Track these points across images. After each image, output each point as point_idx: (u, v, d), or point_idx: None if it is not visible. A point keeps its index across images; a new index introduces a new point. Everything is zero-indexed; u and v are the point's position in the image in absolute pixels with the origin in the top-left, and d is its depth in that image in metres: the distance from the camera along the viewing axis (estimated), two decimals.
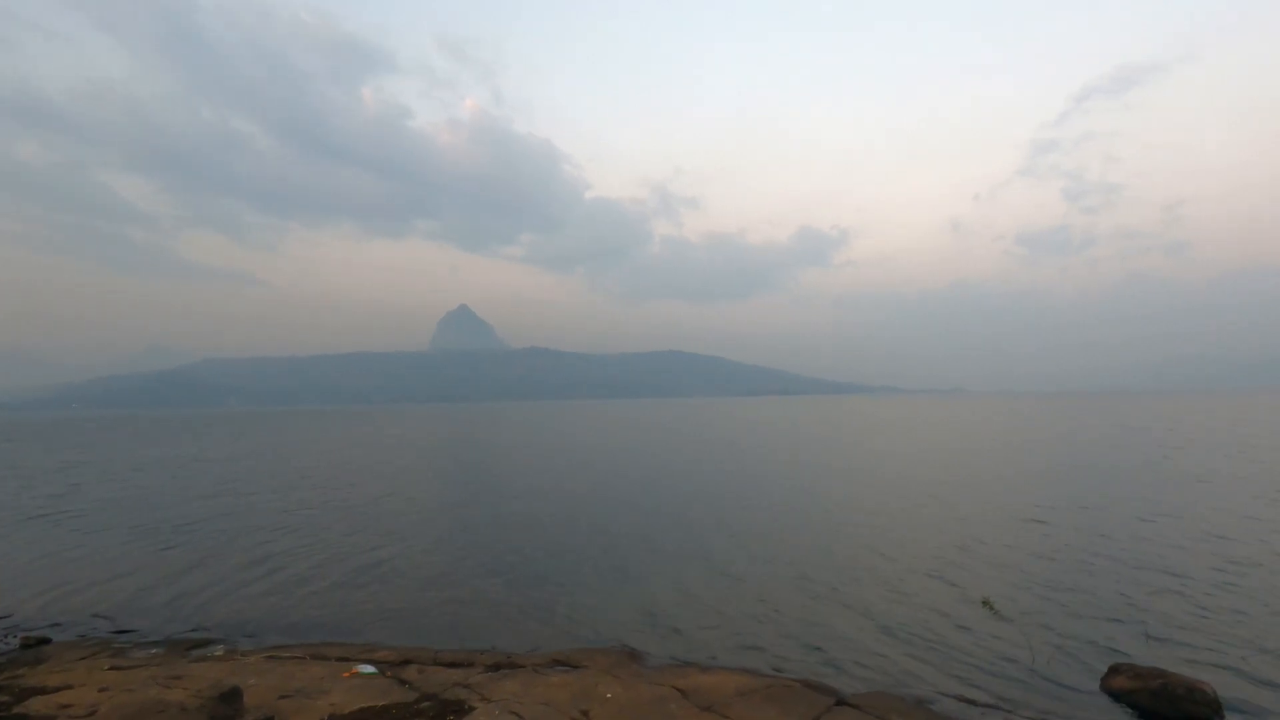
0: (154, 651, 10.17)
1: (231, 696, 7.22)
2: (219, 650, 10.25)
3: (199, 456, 46.17)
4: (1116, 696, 7.76)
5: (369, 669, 8.98)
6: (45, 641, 10.56)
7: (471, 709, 7.58)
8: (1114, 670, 8.08)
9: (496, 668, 9.11)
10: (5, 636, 10.91)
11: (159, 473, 35.64)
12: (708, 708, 7.60)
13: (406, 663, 9.34)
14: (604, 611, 11.58)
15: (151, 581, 14.03)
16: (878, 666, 8.99)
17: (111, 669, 9.11)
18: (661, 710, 7.51)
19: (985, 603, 10.33)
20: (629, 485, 26.91)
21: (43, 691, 8.08)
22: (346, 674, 8.79)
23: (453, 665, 9.28)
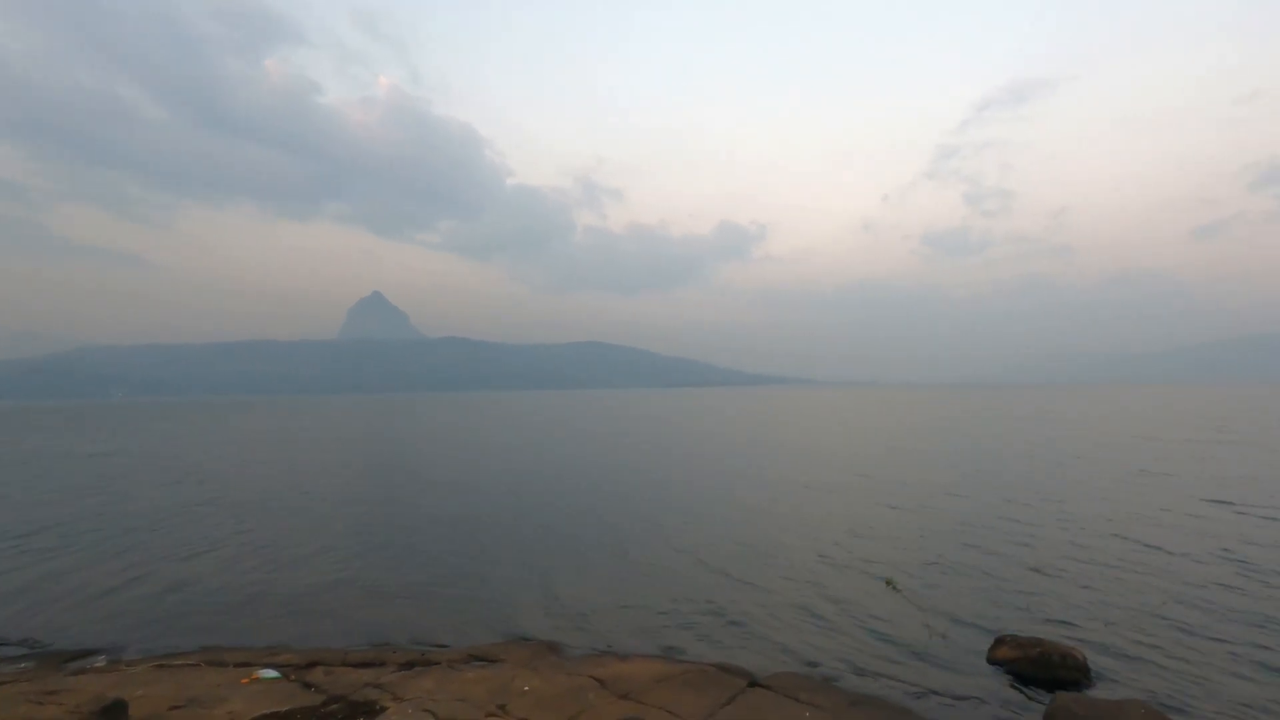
0: (24, 666, 9.28)
1: (115, 710, 6.68)
2: (100, 661, 9.47)
3: (71, 452, 42.34)
4: (1001, 665, 8.40)
5: (271, 673, 8.53)
6: None
7: (383, 709, 7.35)
8: (999, 642, 8.75)
9: (410, 666, 8.87)
10: None
11: (23, 470, 32.43)
12: (625, 695, 7.69)
13: (313, 665, 8.94)
14: (522, 606, 11.49)
15: (17, 589, 12.77)
16: (789, 648, 9.36)
17: None
18: (579, 700, 7.54)
19: (888, 582, 10.95)
20: (544, 478, 26.73)
21: None
22: (246, 680, 8.32)
23: (363, 665, 8.96)
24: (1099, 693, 7.66)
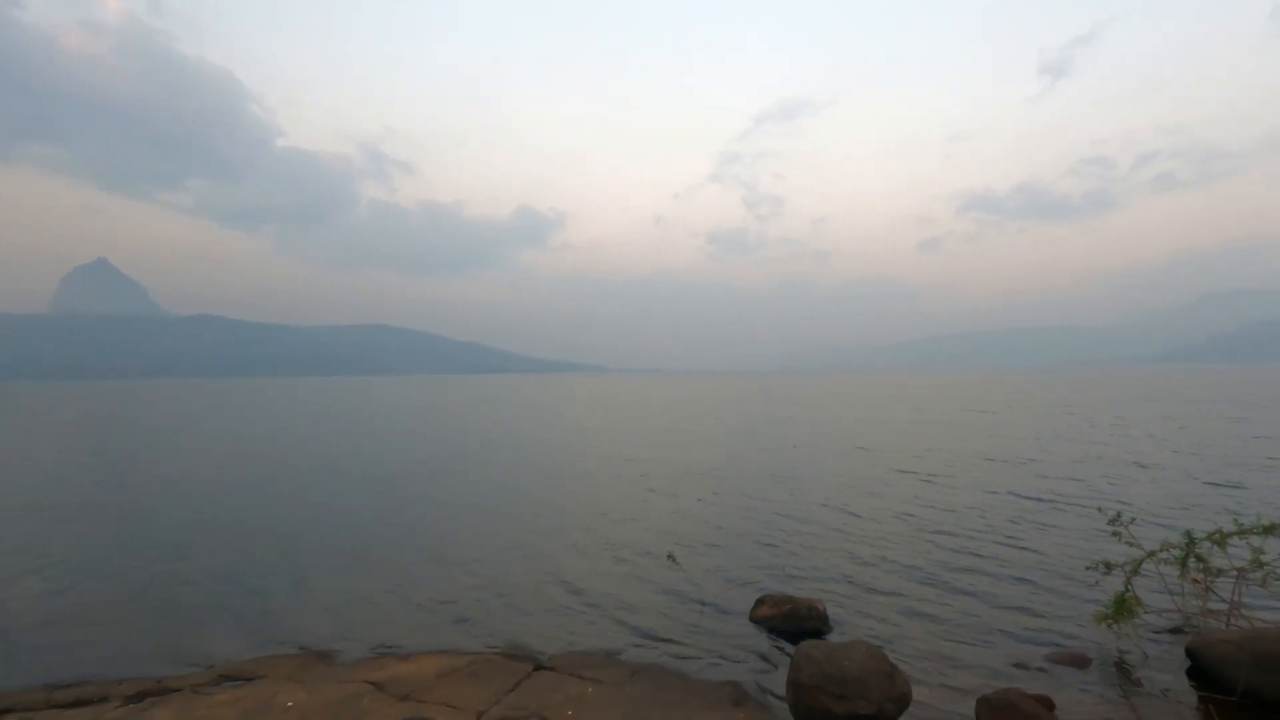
0: None
1: None
2: None
3: None
4: (761, 623, 9.43)
5: None
6: None
7: None
8: (759, 602, 9.81)
9: (140, 698, 7.62)
10: None
11: None
12: (405, 696, 7.36)
13: (4, 713, 7.31)
14: (285, 613, 10.43)
15: None
16: (575, 628, 9.61)
17: None
18: (354, 708, 7.06)
19: (669, 557, 11.69)
20: (307, 472, 24.58)
21: None
22: None
23: (77, 705, 7.52)
24: (835, 637, 8.93)
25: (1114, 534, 9.57)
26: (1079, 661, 7.89)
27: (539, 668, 8.15)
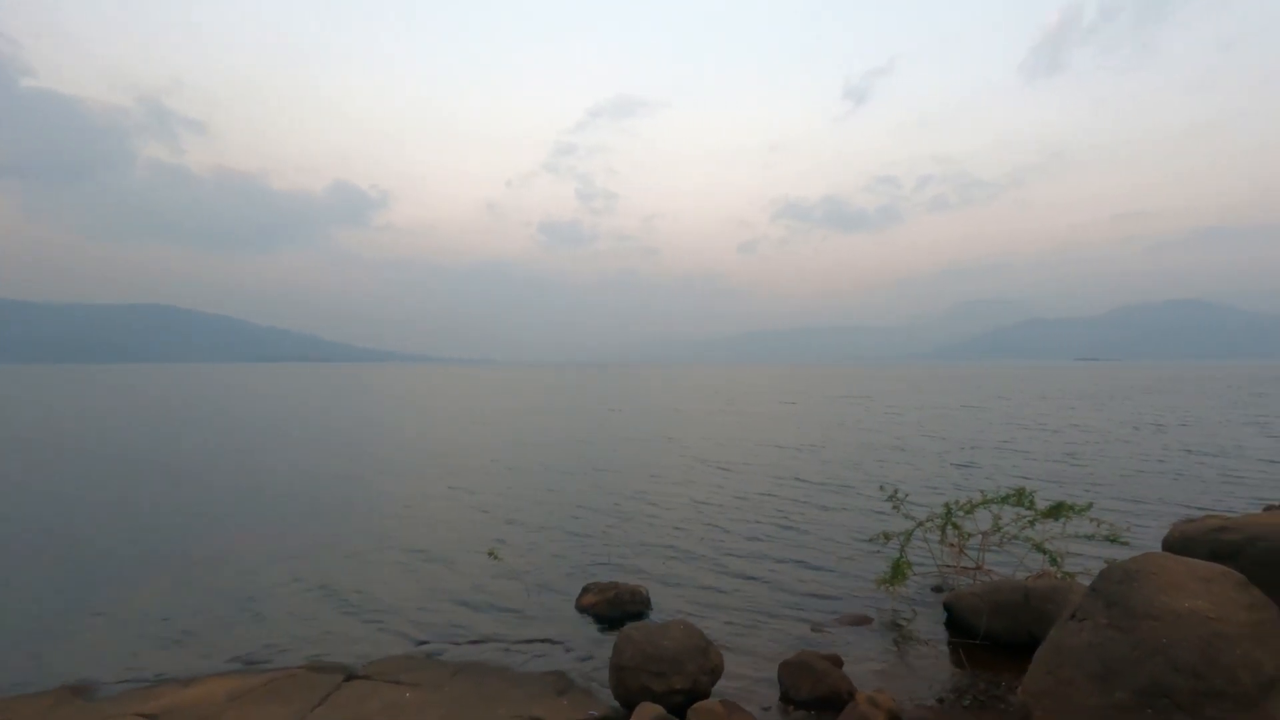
0: None
1: None
2: None
3: None
4: (587, 610, 9.57)
5: None
6: None
7: None
8: (585, 590, 9.96)
9: None
10: None
11: None
12: None
13: None
14: (27, 643, 8.76)
15: None
16: (394, 632, 9.09)
17: None
18: None
19: (490, 553, 11.42)
20: (70, 479, 20.95)
21: None
22: None
23: None
24: (656, 618, 9.31)
25: (894, 508, 10.98)
26: (862, 621, 9.01)
27: (351, 678, 7.60)
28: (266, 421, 40.03)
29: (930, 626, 8.81)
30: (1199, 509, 14.47)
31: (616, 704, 6.75)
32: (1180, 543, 8.40)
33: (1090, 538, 9.50)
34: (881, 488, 13.24)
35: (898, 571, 9.46)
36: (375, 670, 7.81)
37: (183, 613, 9.75)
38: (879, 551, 11.20)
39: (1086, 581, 7.98)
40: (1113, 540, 9.40)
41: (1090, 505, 9.74)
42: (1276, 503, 14.39)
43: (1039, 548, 9.39)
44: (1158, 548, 9.34)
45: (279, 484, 19.59)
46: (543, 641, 8.67)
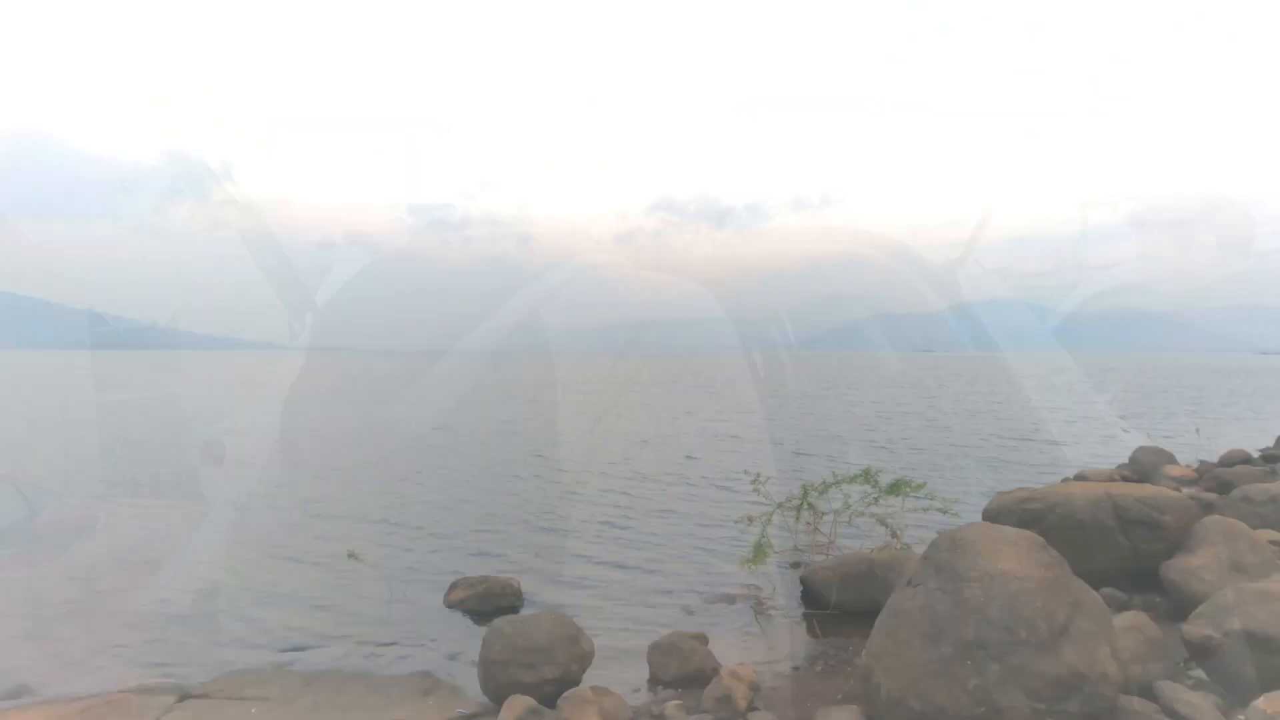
0: None
1: None
2: None
3: None
4: (456, 606, 9.32)
5: None
6: None
7: None
8: (453, 586, 9.67)
9: None
10: None
11: None
12: None
13: None
14: None
15: None
16: (234, 645, 8.31)
17: None
18: None
19: (351, 555, 10.66)
20: None
21: None
22: None
23: None
24: (527, 610, 9.22)
25: (754, 490, 11.56)
26: (728, 600, 9.49)
27: (185, 698, 6.88)
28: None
29: (788, 601, 9.43)
30: (1016, 482, 16.47)
31: (486, 699, 6.62)
32: (996, 512, 9.51)
33: (925, 511, 10.57)
34: (745, 472, 13.91)
35: (759, 551, 9.98)
36: (215, 688, 7.11)
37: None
38: (743, 534, 11.76)
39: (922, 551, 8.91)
40: (944, 513, 10.50)
41: (924, 484, 10.83)
42: (1073, 476, 16.69)
43: (882, 522, 10.30)
44: (979, 518, 10.57)
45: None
46: (408, 643, 8.33)
